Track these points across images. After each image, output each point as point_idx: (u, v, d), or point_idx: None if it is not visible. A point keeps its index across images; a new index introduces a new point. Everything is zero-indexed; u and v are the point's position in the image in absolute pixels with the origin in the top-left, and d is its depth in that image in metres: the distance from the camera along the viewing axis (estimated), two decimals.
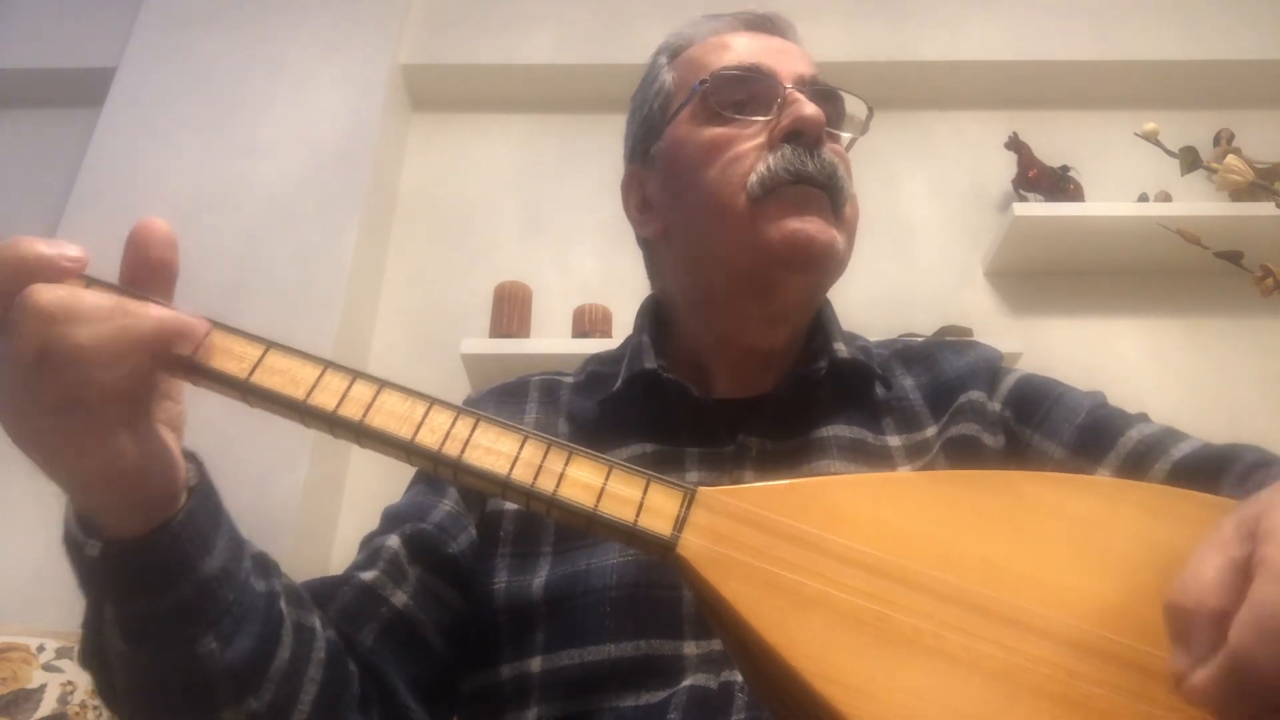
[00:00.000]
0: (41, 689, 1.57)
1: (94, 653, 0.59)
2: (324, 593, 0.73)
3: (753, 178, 0.81)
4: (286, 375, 0.52)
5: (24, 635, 1.63)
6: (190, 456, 0.58)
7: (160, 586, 0.54)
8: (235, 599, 0.58)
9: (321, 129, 2.35)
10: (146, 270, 0.53)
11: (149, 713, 0.59)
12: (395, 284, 2.38)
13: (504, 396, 0.93)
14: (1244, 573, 0.41)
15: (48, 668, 1.60)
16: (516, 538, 0.80)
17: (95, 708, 1.59)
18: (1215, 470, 0.72)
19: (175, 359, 0.51)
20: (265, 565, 0.63)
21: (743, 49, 0.89)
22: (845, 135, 0.90)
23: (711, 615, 0.52)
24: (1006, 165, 2.37)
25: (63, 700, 1.56)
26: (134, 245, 0.53)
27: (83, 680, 1.60)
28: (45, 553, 1.82)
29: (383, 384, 0.53)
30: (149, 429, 0.52)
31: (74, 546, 0.55)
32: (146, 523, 0.53)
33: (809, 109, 0.82)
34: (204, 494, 0.56)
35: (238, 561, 0.58)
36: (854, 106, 0.91)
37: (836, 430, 0.83)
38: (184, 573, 0.54)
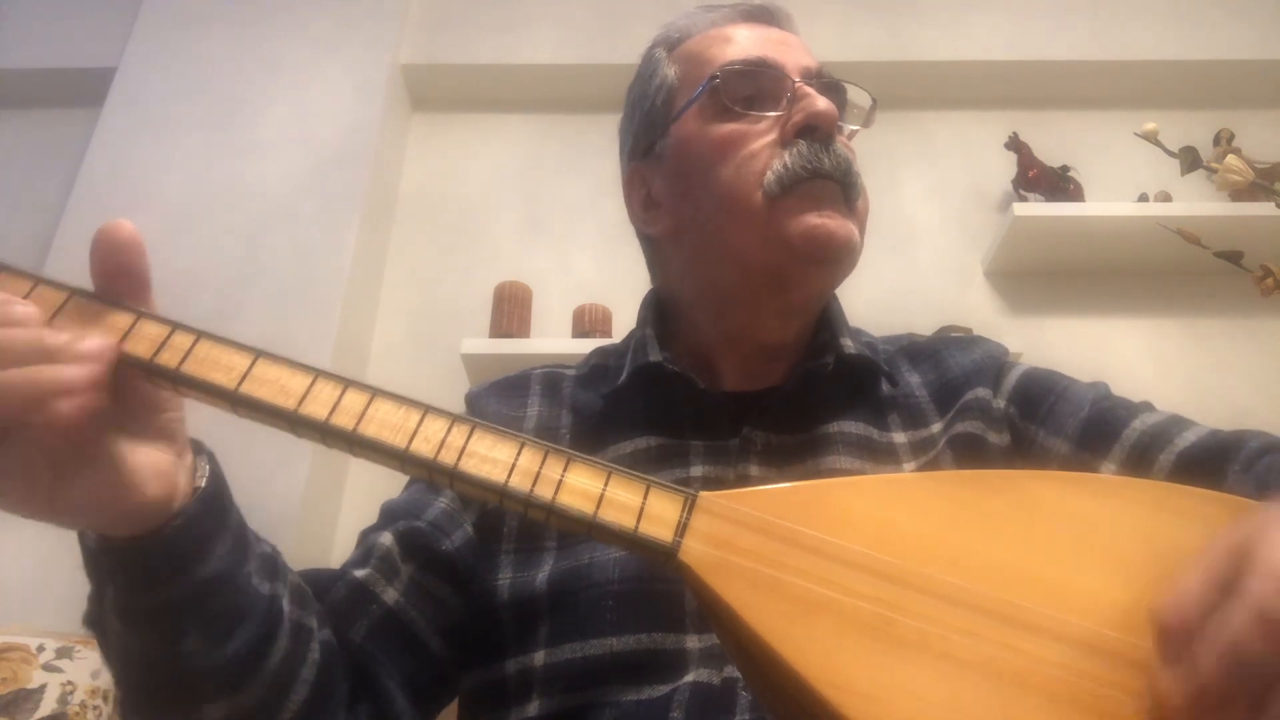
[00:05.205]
0: (41, 689, 1.56)
1: (94, 620, 0.59)
2: (317, 587, 0.73)
3: (769, 175, 0.80)
4: (276, 385, 0.51)
5: (24, 635, 1.63)
6: (203, 453, 0.57)
7: (152, 585, 0.54)
8: (230, 602, 0.58)
9: (321, 129, 2.34)
10: (113, 277, 0.52)
11: (137, 691, 0.60)
12: (395, 284, 2.37)
13: (506, 390, 0.92)
14: (1225, 592, 0.44)
15: (48, 668, 1.59)
16: (520, 534, 0.80)
17: (95, 708, 1.59)
18: (1220, 459, 0.72)
19: (157, 369, 0.50)
20: (273, 567, 0.63)
21: (746, 42, 0.88)
22: (849, 127, 0.90)
23: (714, 621, 0.52)
24: (1006, 165, 2.37)
25: (63, 700, 1.56)
26: (99, 250, 0.51)
27: (82, 680, 1.60)
28: (45, 553, 1.82)
29: (375, 392, 0.52)
30: (112, 454, 0.50)
31: (79, 532, 0.55)
32: (137, 527, 0.52)
33: (822, 103, 0.82)
34: (208, 498, 0.56)
35: (239, 565, 0.58)
36: (856, 96, 0.91)
37: (842, 426, 0.83)
38: (177, 575, 0.54)
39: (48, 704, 1.55)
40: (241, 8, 2.52)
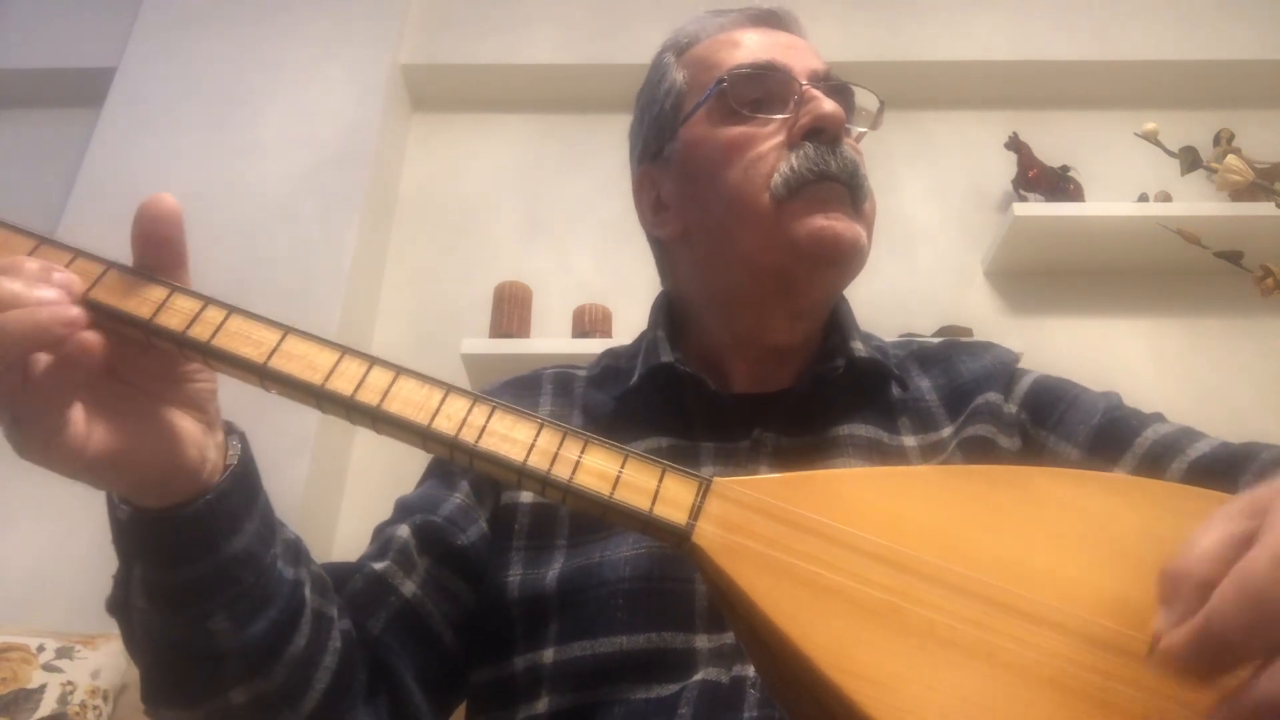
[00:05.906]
0: (41, 689, 1.56)
1: (119, 604, 0.59)
2: (336, 579, 0.73)
3: (776, 178, 0.80)
4: (304, 360, 0.52)
5: (24, 635, 1.63)
6: (234, 434, 0.58)
7: (182, 560, 0.55)
8: (256, 582, 0.58)
9: (321, 129, 2.35)
10: (152, 247, 0.53)
11: (161, 672, 0.60)
12: (395, 284, 2.38)
13: (518, 389, 0.92)
14: (1242, 547, 0.41)
15: (48, 668, 1.59)
16: (531, 531, 0.80)
17: (95, 708, 1.59)
18: (1231, 470, 0.71)
19: (189, 341, 0.50)
20: (297, 551, 0.64)
21: (754, 45, 0.88)
22: (856, 129, 0.90)
23: (726, 605, 0.52)
24: (1006, 165, 2.37)
25: (63, 700, 1.56)
26: (141, 221, 0.52)
27: (82, 680, 1.60)
28: (45, 553, 1.82)
29: (400, 370, 0.53)
30: (143, 409, 0.51)
31: (110, 505, 0.56)
32: (166, 499, 0.53)
33: (828, 105, 0.82)
34: (240, 475, 0.57)
35: (266, 546, 0.59)
36: (863, 99, 0.91)
37: (853, 429, 0.83)
38: (208, 550, 0.55)
39: (48, 704, 1.55)
40: (241, 8, 2.52)
